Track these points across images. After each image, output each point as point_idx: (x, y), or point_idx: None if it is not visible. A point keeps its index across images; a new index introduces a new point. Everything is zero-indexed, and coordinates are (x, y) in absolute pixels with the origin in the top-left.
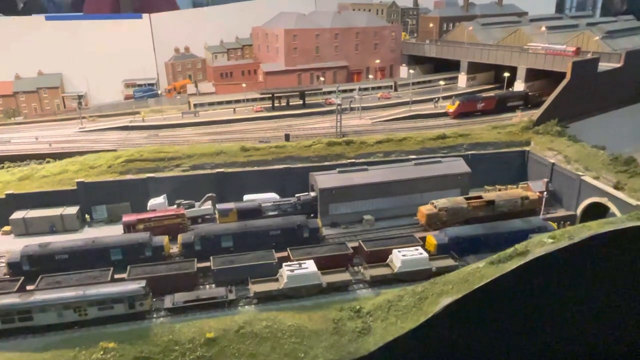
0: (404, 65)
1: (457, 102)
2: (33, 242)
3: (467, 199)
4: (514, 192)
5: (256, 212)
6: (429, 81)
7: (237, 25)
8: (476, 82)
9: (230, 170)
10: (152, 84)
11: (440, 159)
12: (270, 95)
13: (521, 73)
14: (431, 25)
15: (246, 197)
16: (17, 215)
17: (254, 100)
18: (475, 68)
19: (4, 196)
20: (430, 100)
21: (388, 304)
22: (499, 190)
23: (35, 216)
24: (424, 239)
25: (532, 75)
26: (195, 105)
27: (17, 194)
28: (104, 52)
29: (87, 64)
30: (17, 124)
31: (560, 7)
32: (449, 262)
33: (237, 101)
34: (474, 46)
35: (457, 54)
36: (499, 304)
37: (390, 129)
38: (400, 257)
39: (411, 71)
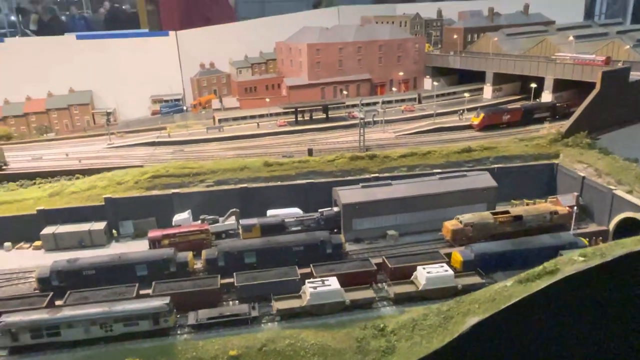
0: (427, 77)
1: (482, 114)
2: (62, 256)
3: (493, 213)
4: (543, 206)
5: (279, 227)
6: (454, 93)
7: (261, 40)
8: (502, 93)
9: (253, 185)
10: (178, 100)
11: (465, 172)
12: (293, 110)
13: (549, 84)
14: (455, 36)
15: (269, 212)
16: (48, 230)
17: (278, 114)
18: (501, 79)
19: (35, 212)
20: (455, 112)
21: (413, 323)
22: (527, 204)
23: (65, 231)
24: (449, 255)
25: (560, 85)
26: (219, 120)
27: (47, 209)
28: (132, 69)
29: (116, 81)
30: (48, 140)
31: (589, 15)
32: (476, 279)
33: (261, 116)
34: (499, 57)
35: (482, 65)
36: (528, 325)
37: (414, 142)
38: (425, 274)
39: (435, 83)
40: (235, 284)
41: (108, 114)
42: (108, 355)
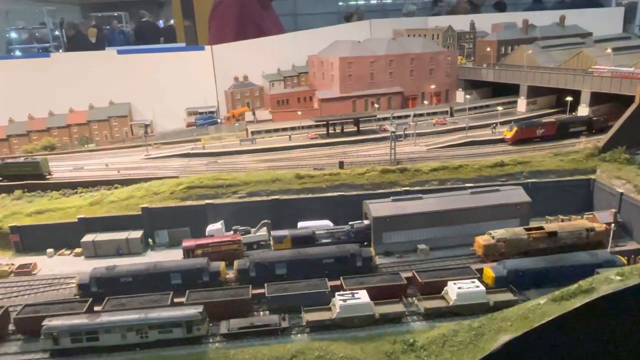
0: (460, 89)
1: (515, 128)
2: (101, 263)
3: (527, 229)
4: (579, 223)
5: (310, 239)
6: (486, 106)
7: (294, 54)
8: (536, 107)
9: (285, 197)
10: (212, 112)
11: (498, 187)
12: (325, 123)
13: (585, 97)
14: (488, 48)
15: (300, 224)
16: (88, 238)
17: (309, 127)
18: (535, 92)
19: (76, 220)
20: (488, 125)
21: (443, 339)
22: (562, 220)
23: (104, 239)
24: (480, 271)
25: (598, 99)
26: (252, 132)
27: (88, 218)
28: (169, 82)
29: (153, 94)
30: (89, 151)
31: (628, 27)
32: (508, 296)
33: (293, 128)
34: (534, 69)
35: (516, 78)
36: (562, 345)
37: (446, 155)
38: (456, 290)
39: (468, 96)
40: (266, 295)
41: (146, 126)
42: None
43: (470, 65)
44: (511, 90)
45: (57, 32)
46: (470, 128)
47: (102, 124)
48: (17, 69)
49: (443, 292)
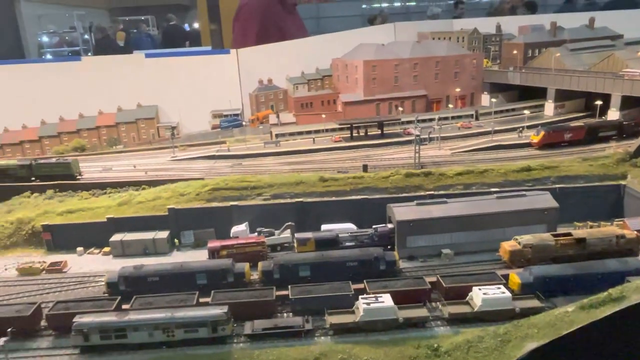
0: (485, 93)
1: (542, 132)
2: (128, 262)
3: (554, 235)
4: (608, 229)
5: (333, 242)
6: (513, 110)
7: (318, 57)
8: (564, 111)
9: (309, 200)
10: (237, 115)
11: (524, 192)
12: (348, 126)
13: (615, 101)
14: (515, 51)
15: (324, 226)
16: (116, 237)
17: (333, 130)
18: (563, 96)
19: (105, 220)
20: (514, 129)
21: (467, 344)
22: (591, 227)
23: (131, 239)
24: (506, 276)
25: (628, 103)
26: (276, 135)
27: (116, 218)
28: (195, 85)
29: (179, 96)
30: (118, 152)
31: None
32: (535, 303)
33: (317, 131)
34: (562, 73)
35: (544, 81)
36: (590, 354)
37: (471, 160)
38: (481, 295)
39: (493, 99)
40: (290, 297)
41: (173, 128)
42: None
43: (496, 68)
44: (538, 93)
45: (86, 36)
46: (496, 132)
47: (130, 126)
48: (49, 72)
49: (468, 297)
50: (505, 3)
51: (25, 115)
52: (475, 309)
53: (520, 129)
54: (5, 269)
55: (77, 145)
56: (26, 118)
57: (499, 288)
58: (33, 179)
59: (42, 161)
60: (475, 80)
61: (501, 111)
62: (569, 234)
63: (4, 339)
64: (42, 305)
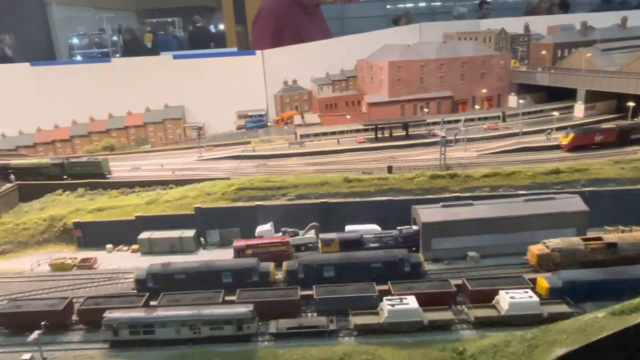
0: (513, 94)
1: (572, 134)
2: (155, 260)
3: (584, 239)
4: None
5: (357, 243)
6: (541, 111)
7: (342, 58)
8: (595, 112)
9: (333, 200)
10: (262, 115)
11: (553, 195)
12: (373, 127)
13: None
14: (544, 51)
15: (348, 227)
16: (144, 235)
17: (358, 131)
18: (594, 97)
19: (134, 218)
20: (542, 131)
21: (494, 349)
22: (622, 231)
23: (159, 237)
24: (534, 280)
25: None
26: (301, 135)
27: (144, 216)
28: (220, 86)
29: (205, 97)
30: (145, 152)
31: None
32: (563, 308)
33: (341, 132)
34: (593, 73)
35: (574, 82)
36: None
37: (498, 162)
38: (508, 299)
39: (521, 101)
40: (315, 297)
41: (199, 128)
42: (195, 356)
43: (524, 69)
44: (568, 94)
45: (114, 38)
46: (524, 134)
47: (158, 126)
48: (80, 73)
49: (494, 301)
50: (543, 2)
51: (57, 115)
52: (502, 313)
53: (549, 130)
54: (39, 264)
55: (107, 145)
56: (58, 118)
57: (527, 292)
58: (65, 177)
59: (74, 160)
60: (503, 81)
61: (529, 112)
62: (600, 239)
63: (37, 332)
64: (73, 300)
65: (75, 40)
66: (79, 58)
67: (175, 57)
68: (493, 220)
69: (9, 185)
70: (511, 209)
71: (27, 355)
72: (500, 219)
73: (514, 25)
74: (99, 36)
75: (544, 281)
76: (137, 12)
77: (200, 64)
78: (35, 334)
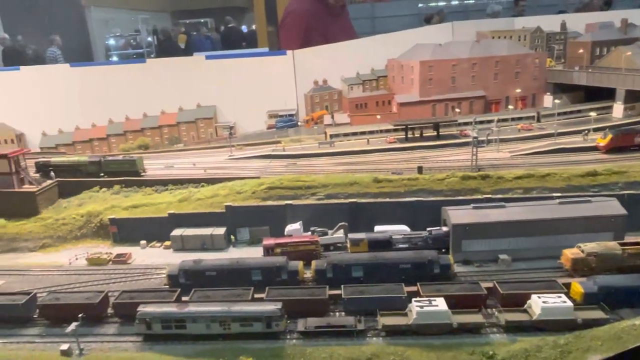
0: (548, 94)
1: (610, 135)
2: (187, 257)
3: (621, 244)
4: None
5: (386, 243)
6: (578, 111)
7: (373, 57)
8: (635, 113)
9: (362, 200)
10: (292, 115)
11: (589, 198)
12: (403, 127)
13: None
14: (581, 50)
15: (377, 228)
16: (176, 232)
17: (388, 131)
18: (634, 97)
19: (167, 215)
20: (579, 132)
21: (525, 354)
22: None
23: (190, 234)
24: (568, 285)
25: None
26: (331, 135)
27: (177, 213)
28: (251, 86)
29: (237, 97)
30: (178, 150)
31: None
32: (599, 314)
33: (371, 132)
34: (633, 72)
35: (612, 82)
36: None
37: (532, 163)
38: (541, 304)
39: (557, 101)
40: (343, 296)
41: (230, 127)
42: (225, 352)
43: (561, 68)
44: (606, 94)
45: (149, 39)
46: (559, 134)
47: (190, 125)
48: (116, 73)
49: (526, 305)
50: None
51: (94, 114)
52: (534, 318)
53: (586, 131)
54: (77, 259)
55: (142, 144)
56: (95, 117)
57: (560, 297)
58: (102, 174)
59: (110, 158)
60: (538, 81)
61: (565, 113)
62: (638, 243)
63: (75, 323)
64: (109, 294)
65: (111, 41)
66: (115, 59)
67: (207, 57)
68: (526, 223)
69: (49, 182)
70: (545, 211)
71: (65, 346)
72: (534, 221)
73: (550, 23)
74: (134, 37)
75: (578, 286)
76: (172, 13)
77: (232, 64)
78: (72, 326)
